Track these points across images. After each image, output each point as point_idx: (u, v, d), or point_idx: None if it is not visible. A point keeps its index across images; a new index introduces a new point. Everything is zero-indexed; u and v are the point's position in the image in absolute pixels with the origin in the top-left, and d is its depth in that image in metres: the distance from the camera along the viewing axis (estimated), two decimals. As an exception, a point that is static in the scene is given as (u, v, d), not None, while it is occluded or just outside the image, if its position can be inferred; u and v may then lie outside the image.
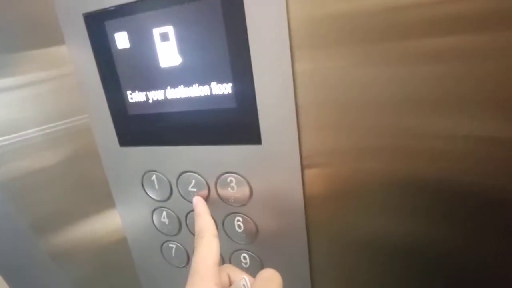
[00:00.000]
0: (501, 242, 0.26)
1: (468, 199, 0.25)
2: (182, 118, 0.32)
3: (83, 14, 0.31)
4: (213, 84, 0.29)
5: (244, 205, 0.33)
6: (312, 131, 0.28)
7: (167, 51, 0.29)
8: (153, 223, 0.40)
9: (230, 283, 0.28)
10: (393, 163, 0.27)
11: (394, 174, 0.27)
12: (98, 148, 0.39)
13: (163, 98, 0.32)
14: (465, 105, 0.23)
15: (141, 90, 0.32)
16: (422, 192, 0.27)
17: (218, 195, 0.34)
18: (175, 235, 0.39)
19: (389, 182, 0.27)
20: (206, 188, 0.34)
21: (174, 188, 0.36)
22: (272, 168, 0.30)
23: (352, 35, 0.24)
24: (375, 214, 0.29)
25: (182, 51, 0.29)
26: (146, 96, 0.32)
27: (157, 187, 0.37)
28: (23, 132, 0.41)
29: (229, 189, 0.33)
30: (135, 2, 0.29)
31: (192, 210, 0.36)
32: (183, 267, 0.41)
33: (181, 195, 0.36)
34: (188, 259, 0.40)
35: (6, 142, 0.41)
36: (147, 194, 0.38)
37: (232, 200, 0.33)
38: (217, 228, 0.35)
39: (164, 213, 0.38)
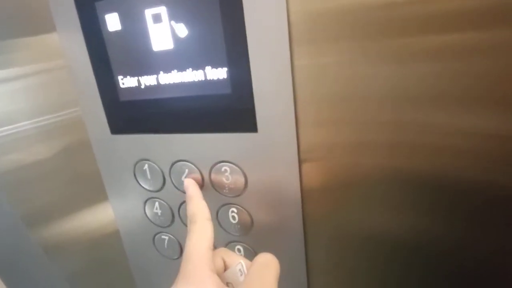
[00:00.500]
0: (500, 239, 0.25)
1: (467, 196, 0.25)
2: (175, 105, 0.31)
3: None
4: (208, 68, 0.28)
5: (239, 195, 0.32)
6: (310, 122, 0.27)
7: (160, 33, 0.28)
8: (146, 214, 0.39)
9: (226, 268, 0.27)
10: (392, 158, 0.26)
11: (393, 168, 0.26)
12: (90, 136, 0.38)
13: (155, 83, 0.30)
14: (464, 101, 0.23)
15: (133, 75, 0.31)
16: (420, 187, 0.26)
17: (212, 185, 0.33)
18: (168, 226, 0.38)
19: (389, 177, 0.27)
20: (201, 177, 0.33)
21: (167, 178, 0.35)
22: (269, 158, 0.29)
23: (351, 30, 0.23)
24: (373, 208, 0.28)
25: (175, 33, 0.28)
26: (138, 81, 0.31)
27: (149, 176, 0.36)
28: (15, 125, 0.40)
29: (224, 179, 0.32)
30: (127, -19, 0.28)
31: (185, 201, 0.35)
32: (176, 259, 0.40)
33: (174, 185, 0.35)
34: (181, 251, 0.39)
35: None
36: (140, 184, 0.37)
37: (227, 190, 0.32)
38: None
39: (157, 203, 0.37)
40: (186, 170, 0.33)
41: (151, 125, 0.33)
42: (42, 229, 0.47)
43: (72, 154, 0.41)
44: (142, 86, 0.31)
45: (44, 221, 0.46)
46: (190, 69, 0.28)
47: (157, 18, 0.28)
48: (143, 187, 0.37)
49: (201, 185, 0.33)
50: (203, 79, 0.28)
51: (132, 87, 0.32)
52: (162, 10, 0.27)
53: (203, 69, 0.28)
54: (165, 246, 0.40)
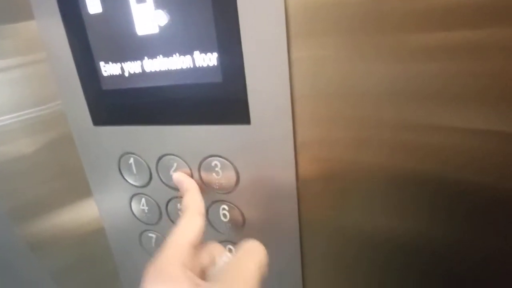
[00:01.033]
0: (498, 240, 0.24)
1: (467, 196, 0.24)
2: (161, 94, 0.28)
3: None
4: (196, 54, 0.25)
5: (230, 192, 0.30)
6: (308, 116, 0.26)
7: (144, 15, 0.26)
8: (132, 211, 0.37)
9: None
10: (390, 155, 0.25)
11: (390, 165, 0.25)
12: (72, 129, 0.35)
13: (140, 70, 0.28)
14: (464, 99, 0.22)
15: (115, 61, 0.29)
16: (417, 185, 0.25)
17: (202, 180, 0.31)
18: (155, 224, 0.36)
19: (387, 174, 0.25)
20: (190, 172, 0.31)
21: (154, 173, 0.33)
22: (263, 153, 0.27)
23: (350, 24, 0.22)
24: (371, 207, 0.27)
25: (160, 15, 0.25)
26: (122, 68, 0.29)
27: (135, 171, 0.34)
28: None
29: (214, 174, 0.30)
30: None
31: (174, 197, 0.33)
32: (164, 258, 0.38)
33: (162, 181, 0.33)
34: (170, 250, 0.37)
35: None
36: (125, 179, 0.35)
37: (217, 187, 0.30)
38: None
39: (143, 200, 0.35)
40: (175, 165, 0.31)
41: (136, 116, 0.31)
42: (26, 225, 0.44)
43: (55, 149, 0.39)
44: (126, 74, 0.29)
45: (28, 217, 0.44)
46: (177, 54, 0.26)
47: (140, -2, 0.25)
48: (128, 182, 0.35)
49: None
50: (192, 66, 0.26)
51: (115, 75, 0.29)
52: (146, -11, 0.25)
53: (192, 54, 0.26)
54: (153, 245, 0.38)
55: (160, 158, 0.32)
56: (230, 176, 0.29)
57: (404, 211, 0.26)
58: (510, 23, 0.19)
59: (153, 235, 0.37)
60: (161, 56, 0.26)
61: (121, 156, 0.34)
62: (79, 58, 0.30)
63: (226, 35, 0.24)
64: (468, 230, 0.25)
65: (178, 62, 0.26)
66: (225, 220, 0.32)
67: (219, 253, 0.26)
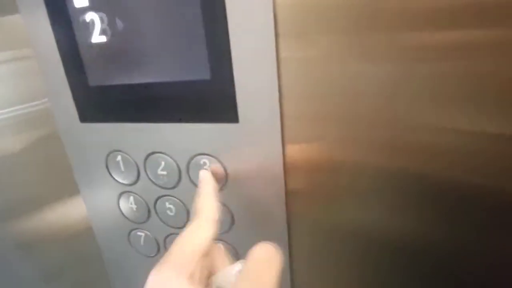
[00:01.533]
0: (489, 242, 0.25)
1: (458, 194, 0.24)
2: (149, 91, 0.28)
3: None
4: (185, 51, 0.25)
5: (218, 190, 0.30)
6: (296, 115, 0.25)
7: (131, 10, 0.25)
8: (120, 210, 0.36)
9: (214, 270, 0.24)
10: (379, 153, 0.25)
11: (379, 163, 0.25)
12: (58, 126, 0.35)
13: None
14: (459, 99, 0.22)
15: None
16: (407, 182, 0.25)
17: (190, 179, 0.30)
18: (144, 222, 0.36)
19: (375, 172, 0.25)
20: (178, 171, 0.31)
21: (142, 171, 0.32)
22: (251, 151, 0.27)
23: (339, 24, 0.22)
24: (360, 204, 0.27)
25: (147, 9, 0.25)
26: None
27: (123, 169, 0.33)
28: None
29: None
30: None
31: (162, 196, 0.33)
32: (153, 256, 0.38)
33: (150, 179, 0.32)
34: (158, 248, 0.37)
35: None
36: (113, 177, 0.34)
37: (206, 185, 0.30)
38: (188, 216, 0.32)
39: (132, 198, 0.35)
40: (162, 163, 0.31)
41: (123, 113, 0.30)
42: (14, 223, 0.44)
43: (42, 147, 0.39)
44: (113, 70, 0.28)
45: (16, 215, 0.44)
46: (166, 51, 0.26)
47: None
48: (116, 180, 0.34)
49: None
50: (180, 63, 0.26)
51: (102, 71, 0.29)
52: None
53: (180, 52, 0.25)
54: (142, 243, 0.37)
55: (148, 156, 0.31)
56: (219, 174, 0.29)
57: (397, 208, 0.26)
58: (505, 23, 0.19)
59: (142, 234, 0.37)
60: (149, 53, 0.26)
61: (109, 153, 0.33)
62: (66, 53, 0.30)
63: (215, 33, 0.24)
64: (461, 230, 0.25)
65: (166, 59, 0.26)
66: (213, 218, 0.31)
67: (221, 259, 0.25)
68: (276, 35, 0.23)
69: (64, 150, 0.37)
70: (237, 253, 0.33)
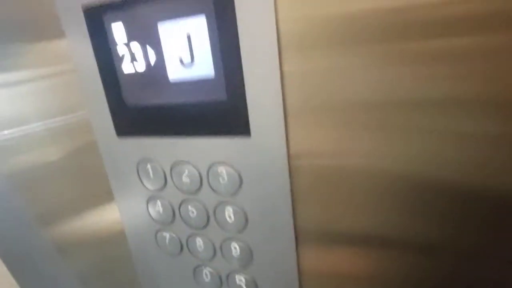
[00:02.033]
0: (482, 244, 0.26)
1: (462, 200, 0.26)
2: (176, 110, 0.33)
3: (82, 6, 0.32)
4: (205, 75, 0.30)
5: (234, 195, 0.34)
6: (300, 126, 0.29)
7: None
8: (148, 213, 0.41)
9: None
10: (383, 163, 0.27)
11: (384, 173, 0.28)
12: (97, 139, 0.40)
13: (160, 90, 0.33)
14: (459, 106, 0.24)
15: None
16: (413, 191, 0.27)
17: (210, 185, 0.35)
18: (169, 224, 0.40)
19: (381, 181, 0.28)
20: (199, 177, 0.35)
21: (168, 178, 0.37)
22: (261, 160, 0.31)
23: (341, 37, 0.25)
24: (364, 212, 0.30)
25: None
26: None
27: (152, 176, 0.38)
28: (26, 127, 0.43)
29: (220, 179, 0.34)
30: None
31: (186, 200, 0.38)
32: (177, 255, 0.42)
33: (175, 185, 0.37)
34: (182, 248, 0.41)
35: (10, 136, 0.43)
36: (143, 183, 0.40)
37: (223, 190, 0.34)
38: (208, 219, 0.37)
39: (159, 202, 0.40)
40: (186, 170, 0.36)
41: (154, 128, 0.35)
42: (54, 228, 0.49)
43: (80, 155, 0.43)
44: (148, 93, 0.34)
45: (55, 221, 0.49)
46: (190, 79, 0.31)
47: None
48: (145, 186, 0.39)
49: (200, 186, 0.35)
50: (201, 85, 0.31)
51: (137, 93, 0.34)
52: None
53: (201, 79, 0.30)
54: (166, 243, 0.42)
55: (173, 165, 0.36)
56: (234, 180, 0.33)
57: (403, 217, 0.28)
58: (496, 30, 0.21)
59: (167, 234, 0.41)
60: (177, 81, 0.31)
61: (139, 162, 0.38)
62: (107, 79, 0.35)
63: (231, 65, 0.28)
64: (464, 237, 0.27)
65: (190, 85, 0.31)
66: (229, 220, 0.36)
67: None
68: (280, 54, 0.27)
69: (100, 160, 0.41)
70: (251, 252, 0.37)
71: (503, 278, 0.27)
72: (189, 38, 0.29)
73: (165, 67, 0.31)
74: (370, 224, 0.30)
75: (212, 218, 0.37)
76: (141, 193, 0.40)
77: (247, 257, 0.37)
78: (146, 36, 0.31)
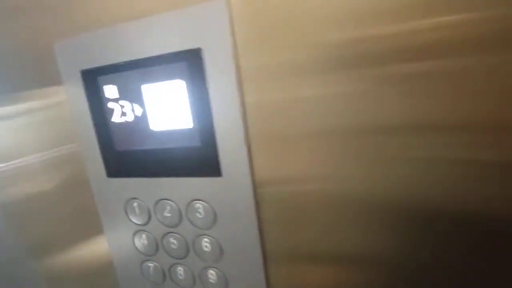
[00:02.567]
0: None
1: (440, 222, 0.27)
2: (160, 154, 0.38)
3: (80, 71, 0.39)
4: (182, 128, 0.36)
5: (210, 228, 0.39)
6: (262, 156, 0.34)
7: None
8: (134, 245, 0.46)
9: None
10: (341, 185, 0.30)
11: (343, 195, 0.30)
12: (89, 177, 0.45)
13: (145, 137, 0.38)
14: (440, 128, 0.25)
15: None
16: (371, 212, 0.30)
17: (188, 219, 0.40)
18: (153, 255, 0.45)
19: (339, 202, 0.31)
20: (179, 213, 0.40)
21: (152, 214, 0.42)
22: (232, 197, 0.37)
23: (298, 67, 0.28)
24: (330, 237, 0.33)
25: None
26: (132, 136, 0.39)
27: (138, 212, 0.43)
28: (21, 159, 0.47)
29: (197, 214, 0.39)
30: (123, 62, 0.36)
31: (168, 233, 0.42)
32: (160, 284, 0.46)
33: (158, 220, 0.42)
34: (164, 277, 0.45)
35: (5, 168, 0.47)
36: (130, 219, 0.44)
37: (200, 224, 0.39)
38: (188, 249, 0.41)
39: (144, 235, 0.44)
40: (168, 207, 0.41)
41: (139, 170, 0.41)
42: (43, 259, 0.51)
43: (72, 188, 0.46)
44: (135, 140, 0.39)
45: (45, 251, 0.51)
46: (169, 129, 0.37)
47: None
48: (132, 221, 0.44)
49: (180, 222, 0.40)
50: (179, 134, 0.36)
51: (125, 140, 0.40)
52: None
53: (178, 129, 0.36)
54: (151, 273, 0.46)
55: (157, 202, 0.41)
56: (210, 215, 0.38)
57: (361, 236, 0.30)
58: (489, 50, 0.22)
59: (152, 264, 0.45)
60: (159, 130, 0.37)
61: (127, 200, 0.43)
62: (99, 128, 0.41)
63: (203, 119, 0.34)
64: (437, 253, 0.28)
65: (170, 135, 0.37)
66: (207, 250, 0.40)
67: None
68: (243, 103, 0.33)
69: (90, 192, 0.45)
70: (226, 279, 0.41)
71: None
72: (167, 97, 0.35)
73: (147, 119, 0.37)
74: (334, 244, 0.33)
75: (191, 249, 0.41)
76: (128, 227, 0.45)
77: (223, 284, 0.41)
78: (132, 94, 0.37)
